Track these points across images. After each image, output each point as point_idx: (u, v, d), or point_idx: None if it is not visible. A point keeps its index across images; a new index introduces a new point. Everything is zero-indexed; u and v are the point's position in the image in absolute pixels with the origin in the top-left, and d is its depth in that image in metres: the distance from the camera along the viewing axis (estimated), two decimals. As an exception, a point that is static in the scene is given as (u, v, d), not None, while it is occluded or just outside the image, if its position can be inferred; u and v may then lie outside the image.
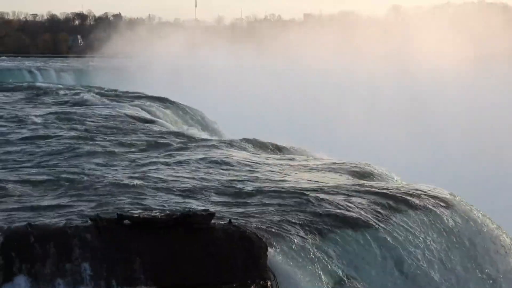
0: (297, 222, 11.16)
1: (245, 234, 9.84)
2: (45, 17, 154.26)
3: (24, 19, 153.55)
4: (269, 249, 9.88)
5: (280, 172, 15.12)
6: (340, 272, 10.41)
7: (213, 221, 9.88)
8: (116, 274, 9.19)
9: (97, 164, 15.18)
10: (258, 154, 18.16)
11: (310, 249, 10.46)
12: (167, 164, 15.36)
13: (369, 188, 13.56)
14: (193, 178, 13.81)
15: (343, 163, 16.94)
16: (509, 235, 13.49)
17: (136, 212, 10.05)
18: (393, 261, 11.21)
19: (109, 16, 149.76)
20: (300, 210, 11.75)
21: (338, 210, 11.89)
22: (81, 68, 76.02)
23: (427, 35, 72.57)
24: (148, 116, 27.00)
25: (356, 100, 56.55)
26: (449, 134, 48.48)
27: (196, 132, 26.62)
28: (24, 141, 18.19)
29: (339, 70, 65.24)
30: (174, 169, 14.67)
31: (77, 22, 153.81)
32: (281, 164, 16.44)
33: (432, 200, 13.11)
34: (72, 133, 19.74)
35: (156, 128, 23.03)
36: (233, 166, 15.49)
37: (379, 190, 13.38)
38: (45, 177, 13.55)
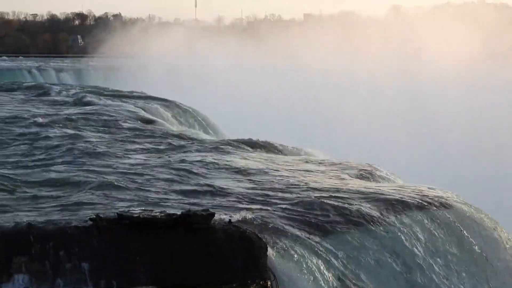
0: (298, 222, 11.16)
1: (245, 234, 9.84)
2: (45, 17, 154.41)
3: (24, 19, 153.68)
4: (269, 249, 9.88)
5: (280, 172, 15.11)
6: (340, 272, 10.41)
7: (213, 221, 9.87)
8: (116, 274, 9.19)
9: (97, 164, 15.18)
10: (258, 154, 18.15)
11: (311, 249, 10.46)
12: (167, 164, 15.35)
13: (370, 188, 13.57)
14: (193, 178, 13.81)
15: (343, 163, 16.94)
16: (509, 234, 13.50)
17: (136, 212, 10.05)
18: (394, 261, 11.21)
19: (109, 16, 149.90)
20: (300, 210, 11.75)
21: (339, 210, 11.89)
22: (81, 68, 76.08)
23: (427, 35, 72.61)
24: (149, 116, 27.00)
25: (356, 100, 56.58)
26: (449, 134, 48.50)
27: (196, 132, 26.62)
28: (23, 141, 18.18)
29: (339, 70, 65.27)
30: (174, 169, 14.66)
31: (77, 22, 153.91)
32: (281, 164, 16.44)
33: (432, 200, 13.11)
34: (71, 133, 19.73)
35: (156, 128, 23.03)
36: (233, 166, 15.49)
37: (379, 190, 13.38)
38: (44, 177, 13.55)
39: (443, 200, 13.30)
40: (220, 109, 42.47)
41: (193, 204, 11.69)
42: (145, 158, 16.26)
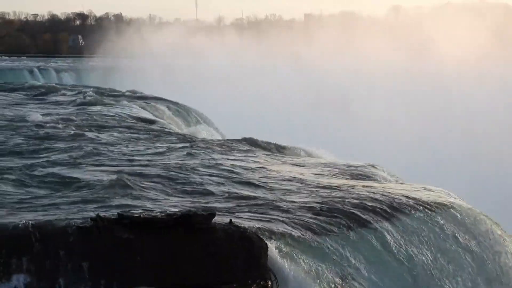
0: (298, 222, 11.16)
1: (246, 234, 9.84)
2: (46, 17, 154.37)
3: (25, 19, 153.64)
4: (270, 249, 9.89)
5: (280, 172, 15.12)
6: (341, 272, 10.41)
7: (213, 221, 9.88)
8: (117, 274, 9.20)
9: (98, 164, 15.20)
10: (258, 154, 18.16)
11: (312, 249, 10.47)
12: (167, 164, 15.36)
13: (370, 188, 13.58)
14: (194, 178, 13.82)
15: (344, 163, 16.95)
16: (509, 233, 13.51)
17: (137, 212, 10.05)
18: (395, 261, 11.22)
19: (109, 16, 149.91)
20: (301, 210, 11.76)
21: (339, 210, 11.89)
22: (82, 68, 76.07)
23: (427, 35, 72.57)
24: (149, 116, 27.04)
25: (356, 100, 56.56)
26: (450, 134, 48.49)
27: (196, 131, 26.64)
28: (24, 141, 18.20)
29: (340, 70, 65.26)
30: (174, 169, 14.67)
31: (77, 22, 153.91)
32: (281, 164, 16.45)
33: (433, 200, 13.12)
34: (72, 133, 19.75)
35: (157, 128, 23.05)
36: (233, 166, 15.50)
37: (380, 190, 13.39)
38: (45, 177, 13.56)
39: (444, 200, 13.31)
40: (220, 109, 42.50)
41: (194, 204, 11.70)
42: (145, 158, 16.27)
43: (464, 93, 57.16)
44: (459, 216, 12.99)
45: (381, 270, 11.00)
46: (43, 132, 19.95)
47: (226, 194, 12.74)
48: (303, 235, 10.76)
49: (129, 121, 24.12)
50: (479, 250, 12.59)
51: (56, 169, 14.34)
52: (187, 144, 18.72)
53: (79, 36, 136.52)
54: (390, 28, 79.84)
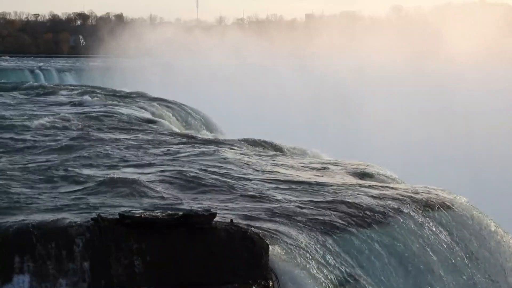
0: (299, 222, 11.16)
1: (247, 234, 9.84)
2: (47, 17, 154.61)
3: (26, 19, 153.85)
4: (271, 249, 9.88)
5: (280, 172, 15.12)
6: (342, 272, 10.41)
7: (214, 221, 9.88)
8: (118, 274, 9.20)
9: (99, 164, 15.20)
10: (259, 153, 18.16)
11: (312, 249, 10.46)
12: (168, 164, 15.36)
13: (371, 188, 13.58)
14: (195, 178, 13.81)
15: (344, 163, 16.95)
16: (510, 234, 13.50)
17: (138, 212, 10.05)
18: (396, 261, 11.21)
19: (110, 16, 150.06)
20: (301, 210, 11.75)
21: (340, 210, 11.89)
22: (83, 68, 76.09)
23: (427, 36, 72.54)
24: (150, 116, 27.03)
25: (356, 100, 56.54)
26: (451, 134, 48.48)
27: (197, 131, 26.64)
28: (26, 141, 18.20)
29: (340, 70, 65.24)
30: (175, 169, 14.66)
31: (78, 22, 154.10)
32: (281, 164, 16.45)
33: (433, 200, 13.11)
34: (74, 133, 19.75)
35: (157, 128, 23.05)
36: (234, 166, 15.50)
37: (380, 190, 13.39)
38: (46, 177, 13.56)
39: (444, 200, 13.30)
40: (221, 109, 42.49)
41: (195, 204, 11.70)
42: (145, 157, 16.27)
43: (466, 93, 57.11)
44: (459, 216, 12.98)
45: (382, 270, 10.99)
46: (44, 132, 19.95)
47: (227, 194, 12.73)
48: (304, 235, 10.76)
49: (129, 121, 24.11)
50: (480, 250, 12.58)
51: (56, 169, 14.34)
52: (187, 144, 18.71)
53: (80, 36, 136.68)
54: (391, 28, 79.82)
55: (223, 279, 9.47)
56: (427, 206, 12.81)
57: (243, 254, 9.63)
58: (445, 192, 14.00)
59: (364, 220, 11.73)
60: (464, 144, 45.80)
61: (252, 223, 10.64)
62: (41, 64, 78.26)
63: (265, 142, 20.26)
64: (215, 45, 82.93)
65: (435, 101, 55.70)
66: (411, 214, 12.37)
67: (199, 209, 10.46)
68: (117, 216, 9.73)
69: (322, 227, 11.16)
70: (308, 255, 10.31)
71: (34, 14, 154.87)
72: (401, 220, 12.07)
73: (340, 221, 11.50)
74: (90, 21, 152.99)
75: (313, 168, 16.13)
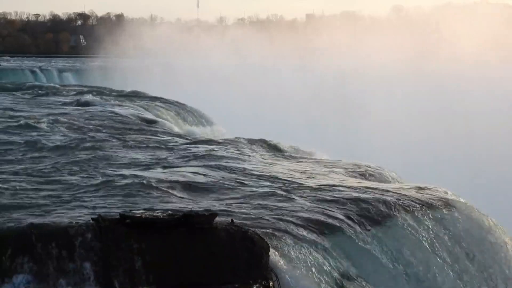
0: (299, 222, 11.16)
1: (247, 234, 9.84)
2: (48, 17, 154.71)
3: (26, 19, 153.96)
4: (271, 249, 9.89)
5: (280, 172, 15.12)
6: (343, 272, 10.41)
7: (215, 221, 9.88)
8: (118, 274, 9.21)
9: (99, 164, 15.20)
10: (259, 154, 18.16)
11: (313, 249, 10.46)
12: (168, 164, 15.37)
13: (371, 188, 13.57)
14: (195, 178, 13.82)
15: (344, 162, 16.95)
16: (510, 235, 13.50)
17: (138, 212, 10.06)
18: (396, 261, 11.21)
19: (111, 16, 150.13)
20: (302, 210, 11.76)
21: (342, 210, 11.90)
22: (83, 68, 76.14)
23: (426, 36, 72.53)
24: (150, 116, 27.05)
25: (356, 100, 56.54)
26: (451, 134, 48.46)
27: (197, 131, 26.66)
28: (25, 141, 18.20)
29: (340, 70, 65.27)
30: (175, 169, 14.68)
31: (79, 22, 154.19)
32: (282, 164, 16.45)
33: (433, 200, 13.12)
34: (74, 134, 19.76)
35: (157, 128, 23.07)
36: (234, 165, 15.50)
37: (380, 190, 13.39)
38: (47, 177, 13.57)
39: (444, 200, 13.30)
40: (221, 109, 42.50)
41: (195, 204, 11.71)
42: (145, 158, 16.28)
43: (466, 93, 57.12)
44: (459, 216, 12.98)
45: (382, 270, 11.00)
46: (44, 132, 19.96)
47: (227, 194, 12.74)
48: (304, 234, 10.76)
49: (129, 121, 24.12)
50: (480, 250, 12.59)
51: (56, 169, 14.35)
52: (188, 144, 18.72)
53: (81, 36, 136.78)
54: (391, 28, 79.83)
55: (223, 279, 9.47)
56: (427, 206, 12.80)
57: (243, 254, 9.64)
58: (445, 192, 13.99)
59: (364, 220, 11.73)
60: (464, 144, 45.77)
61: (252, 223, 10.65)
62: (42, 64, 78.32)
63: (265, 142, 20.27)
64: (215, 45, 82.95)
65: (435, 101, 55.68)
66: (411, 214, 12.37)
67: (199, 209, 10.47)
68: (118, 216, 9.73)
69: (322, 227, 11.17)
70: (308, 255, 10.32)
71: (34, 14, 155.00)
72: (401, 220, 12.07)
73: (340, 221, 11.51)
74: (91, 21, 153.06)
75: (313, 168, 16.12)
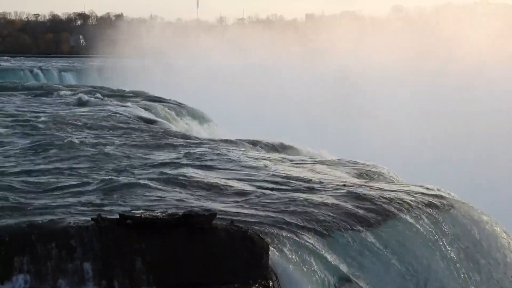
0: (299, 222, 11.16)
1: (247, 234, 9.84)
2: (47, 17, 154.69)
3: (26, 19, 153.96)
4: (271, 249, 9.89)
5: (281, 172, 15.11)
6: (342, 272, 10.41)
7: (215, 221, 9.88)
8: (118, 274, 9.20)
9: (99, 164, 15.19)
10: (259, 153, 18.16)
11: (313, 249, 10.46)
12: (168, 164, 15.36)
13: (372, 188, 13.56)
14: (195, 178, 13.81)
15: (345, 162, 16.94)
16: (510, 235, 13.50)
17: (138, 212, 10.06)
18: (396, 261, 11.21)
19: (111, 16, 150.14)
20: (302, 210, 11.75)
21: (341, 210, 11.89)
22: (83, 68, 76.15)
23: (426, 36, 72.50)
24: (150, 116, 27.04)
25: (356, 100, 56.54)
26: (451, 134, 48.44)
27: (197, 131, 26.65)
28: (25, 141, 18.20)
29: (340, 70, 65.26)
30: (175, 169, 14.67)
31: (79, 22, 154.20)
32: (282, 164, 16.44)
33: (433, 200, 13.11)
34: (73, 133, 19.75)
35: (157, 128, 23.06)
36: (234, 165, 15.50)
37: (381, 190, 13.38)
38: (46, 177, 13.56)
39: (444, 200, 13.30)
40: (221, 109, 42.50)
41: (195, 204, 11.70)
42: (146, 158, 16.27)
43: (465, 93, 57.11)
44: (459, 215, 12.98)
45: (382, 270, 10.99)
46: (44, 132, 19.95)
47: (227, 194, 12.73)
48: (304, 235, 10.76)
49: (130, 121, 24.11)
50: (480, 249, 12.58)
51: (57, 169, 14.34)
52: (188, 144, 18.71)
53: (81, 36, 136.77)
54: (391, 28, 79.80)
55: (223, 279, 9.47)
56: (427, 206, 12.80)
57: (243, 254, 9.64)
58: (445, 192, 13.99)
59: (364, 220, 11.72)
60: (464, 144, 45.74)
61: (252, 223, 10.64)
62: (41, 64, 78.30)
63: (265, 141, 20.27)
64: (215, 45, 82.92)
65: (435, 101, 55.68)
66: (411, 214, 12.37)
67: (199, 209, 10.47)
68: (117, 216, 9.73)
69: (322, 227, 11.16)
70: (308, 255, 10.31)
71: (34, 14, 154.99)
72: (402, 220, 12.06)
73: (340, 221, 11.50)
74: (91, 21, 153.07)
75: (313, 168, 16.12)
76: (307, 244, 10.53)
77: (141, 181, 13.13)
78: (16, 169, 14.30)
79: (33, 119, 22.75)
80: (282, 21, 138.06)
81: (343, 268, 10.50)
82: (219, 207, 11.45)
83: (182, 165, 15.11)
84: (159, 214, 9.95)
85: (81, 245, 9.29)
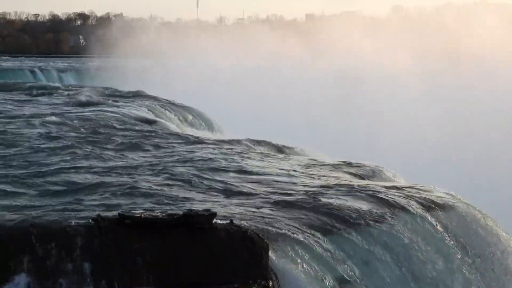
0: (299, 222, 11.15)
1: (247, 234, 9.84)
2: (47, 17, 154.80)
3: (26, 19, 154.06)
4: (271, 249, 9.88)
5: (282, 172, 15.11)
6: (342, 272, 10.41)
7: (214, 221, 9.87)
8: (118, 274, 9.19)
9: (99, 164, 15.19)
10: (259, 153, 18.15)
11: (313, 249, 10.45)
12: (168, 164, 15.35)
13: (372, 188, 13.56)
14: (195, 178, 13.81)
15: (345, 163, 16.94)
16: (509, 235, 13.50)
17: (138, 212, 10.05)
18: (396, 261, 11.20)
19: (110, 16, 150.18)
20: (302, 210, 11.75)
21: (341, 210, 11.88)
22: (83, 68, 76.15)
23: (427, 36, 72.49)
24: (150, 116, 27.03)
25: (356, 100, 56.53)
26: (450, 134, 48.43)
27: (197, 131, 26.64)
28: (25, 141, 18.19)
29: (340, 69, 65.25)
30: (175, 169, 14.66)
31: (79, 22, 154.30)
32: (282, 164, 16.44)
33: (434, 200, 13.11)
34: (73, 134, 19.74)
35: (157, 128, 23.06)
36: (234, 165, 15.50)
37: (382, 190, 13.38)
38: (46, 177, 13.55)
39: (444, 200, 13.30)
40: (221, 109, 42.47)
41: (195, 204, 11.70)
42: (145, 158, 16.27)
43: (465, 93, 57.10)
44: (459, 216, 12.98)
45: (382, 270, 10.99)
46: (43, 132, 19.94)
47: (227, 194, 12.73)
48: (304, 235, 10.75)
49: (129, 121, 24.11)
50: (480, 249, 12.58)
51: (56, 169, 14.34)
52: (187, 144, 18.71)
53: (80, 36, 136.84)
54: (391, 28, 79.81)
55: (223, 279, 9.47)
56: (427, 206, 12.80)
57: (243, 254, 9.63)
58: (445, 192, 13.99)
59: (364, 220, 11.72)
60: (464, 144, 45.74)
61: (252, 223, 10.64)
62: (41, 64, 78.28)
63: (265, 142, 20.26)
64: (215, 45, 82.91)
65: (435, 101, 55.67)
66: (412, 214, 12.37)
67: (199, 209, 10.46)
68: (117, 216, 9.72)
69: (322, 227, 11.16)
70: (308, 255, 10.31)
71: (34, 14, 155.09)
72: (402, 220, 12.06)
73: (340, 221, 11.50)
74: (90, 21, 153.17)
75: (313, 169, 16.12)
76: (308, 244, 10.53)
77: (141, 181, 13.12)
78: (15, 170, 14.29)
79: (32, 119, 22.75)
80: (282, 21, 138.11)
81: (344, 268, 10.50)
82: (219, 207, 11.45)
83: (182, 165, 15.11)
84: (159, 214, 9.94)
85: (81, 245, 9.29)
